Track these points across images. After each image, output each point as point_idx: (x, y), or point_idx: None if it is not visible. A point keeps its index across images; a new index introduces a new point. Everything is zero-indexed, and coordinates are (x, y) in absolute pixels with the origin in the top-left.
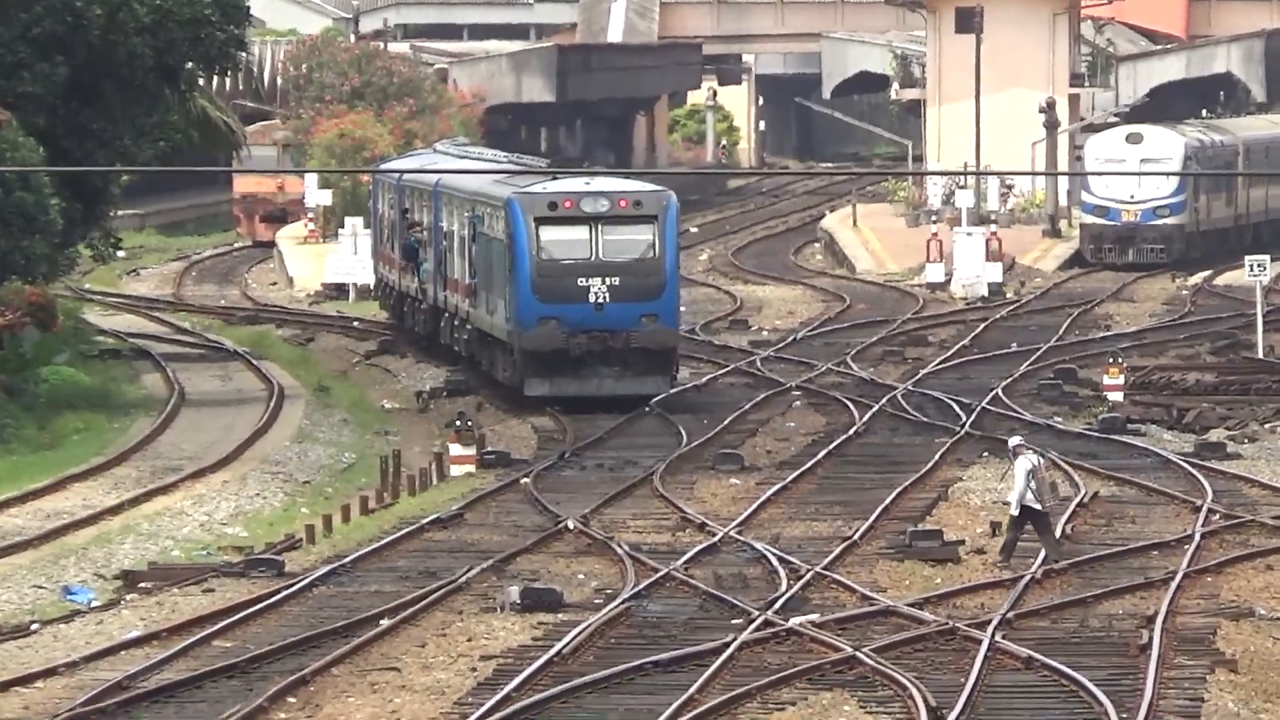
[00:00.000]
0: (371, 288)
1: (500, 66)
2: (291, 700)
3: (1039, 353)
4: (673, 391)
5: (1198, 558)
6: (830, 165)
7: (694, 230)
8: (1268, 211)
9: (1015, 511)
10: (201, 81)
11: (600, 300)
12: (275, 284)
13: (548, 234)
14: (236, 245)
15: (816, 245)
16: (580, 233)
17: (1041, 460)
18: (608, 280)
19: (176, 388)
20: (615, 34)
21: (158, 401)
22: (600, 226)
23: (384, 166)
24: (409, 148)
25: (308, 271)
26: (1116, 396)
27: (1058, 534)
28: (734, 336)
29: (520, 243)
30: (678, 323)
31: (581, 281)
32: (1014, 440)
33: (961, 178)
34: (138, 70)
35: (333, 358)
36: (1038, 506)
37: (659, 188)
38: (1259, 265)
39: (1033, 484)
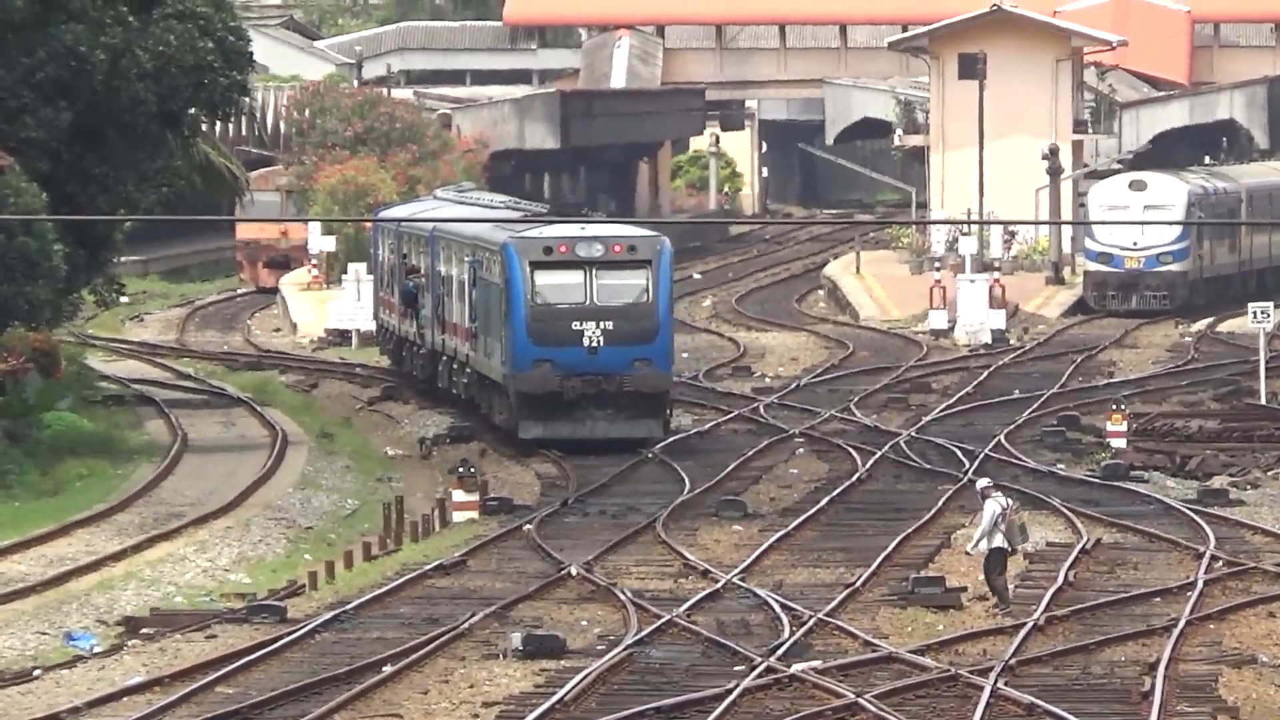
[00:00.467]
0: (375, 333)
1: (503, 112)
2: None
3: (1042, 399)
4: (674, 438)
5: (1200, 605)
6: (833, 213)
7: (697, 276)
8: (1271, 258)
9: (970, 550)
10: (204, 127)
11: (594, 344)
12: (278, 330)
13: (543, 278)
14: (240, 291)
15: (820, 292)
16: (575, 277)
17: (1010, 502)
18: (602, 324)
19: (179, 434)
20: (618, 79)
21: (161, 448)
22: (595, 271)
23: (384, 214)
24: (412, 194)
25: (311, 317)
26: (1119, 443)
27: (1060, 580)
28: (737, 383)
29: (516, 287)
30: (671, 367)
31: (576, 325)
32: (982, 482)
33: (965, 225)
34: (141, 116)
35: (336, 404)
36: (1007, 548)
37: (653, 233)
38: (1262, 312)
39: (1002, 526)
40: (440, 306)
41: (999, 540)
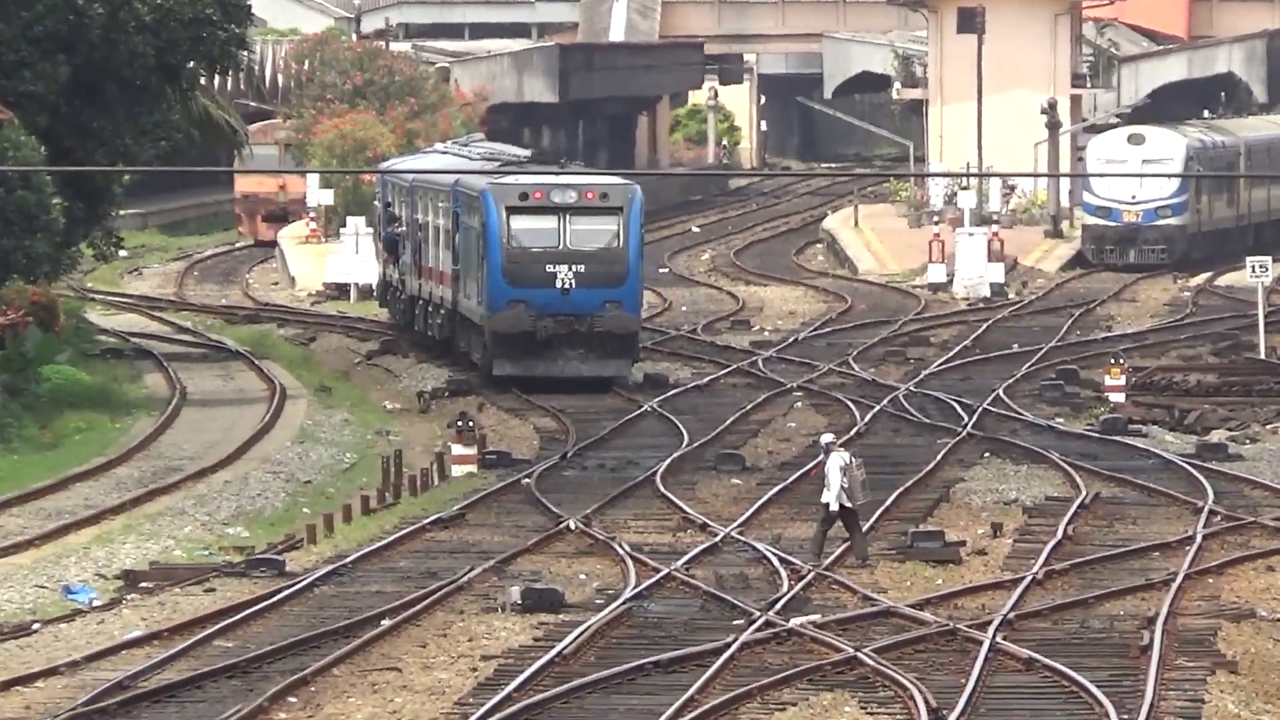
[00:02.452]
0: (374, 287)
1: (502, 66)
2: (292, 700)
3: (1040, 353)
4: (673, 392)
5: (1199, 559)
6: (832, 166)
7: (695, 230)
8: (1269, 212)
9: (835, 507)
10: (203, 81)
11: (566, 286)
12: (277, 284)
13: (518, 223)
14: (238, 245)
15: (818, 246)
16: (549, 222)
17: (853, 458)
18: (574, 267)
19: (178, 387)
20: (617, 33)
21: (159, 401)
22: (568, 216)
23: (385, 166)
24: (410, 147)
25: (309, 271)
26: (1118, 397)
27: (1059, 535)
28: (735, 337)
29: (492, 230)
30: (640, 309)
31: (549, 268)
32: (826, 437)
33: (963, 178)
34: (139, 69)
35: (334, 358)
36: (849, 504)
37: (625, 181)
38: (1260, 266)
39: (845, 481)
40: (419, 253)
41: (842, 497)
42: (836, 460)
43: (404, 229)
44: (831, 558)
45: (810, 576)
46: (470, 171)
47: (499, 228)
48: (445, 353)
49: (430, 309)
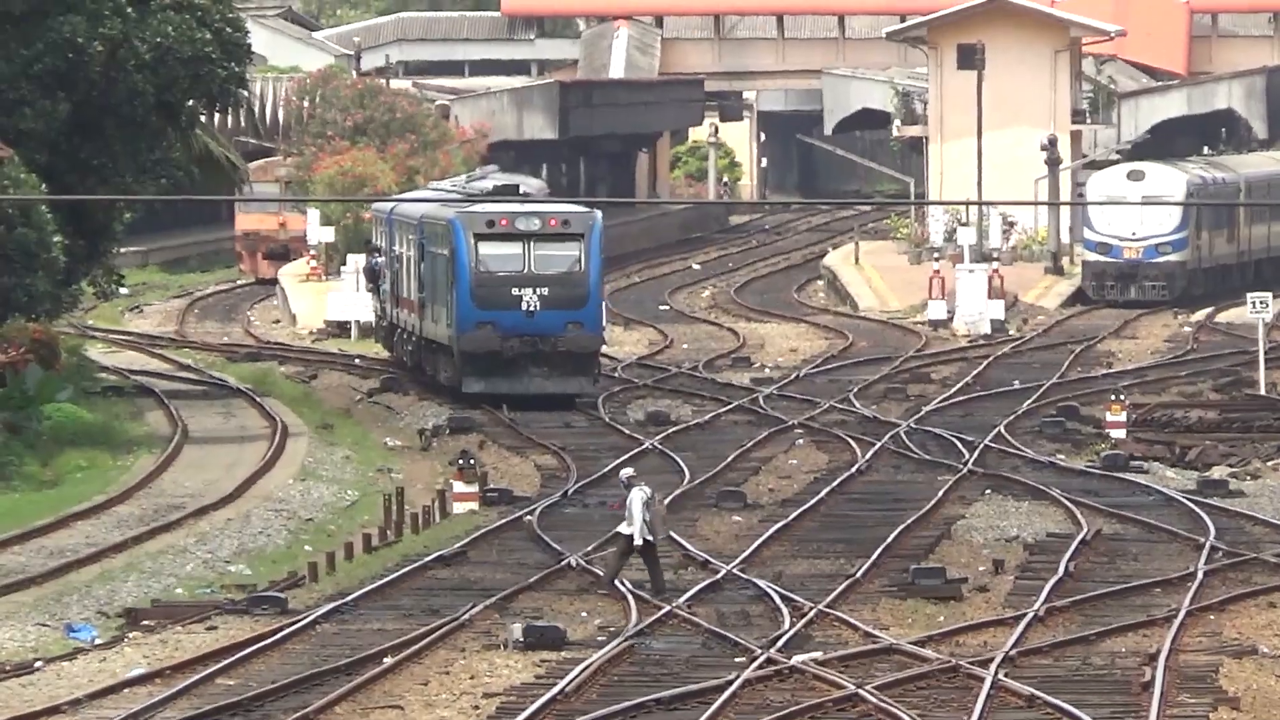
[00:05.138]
0: (374, 324)
1: (502, 103)
2: None
3: (1041, 390)
4: (674, 429)
5: (1200, 595)
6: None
7: (696, 267)
8: (1269, 248)
9: (639, 541)
10: (203, 118)
11: (531, 308)
12: (278, 321)
13: (486, 248)
14: (239, 282)
15: (819, 283)
16: (515, 248)
17: (651, 492)
18: (538, 290)
19: (179, 425)
20: (617, 70)
21: (161, 439)
22: (532, 242)
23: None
24: (410, 184)
25: (310, 309)
26: (1119, 434)
27: (1060, 572)
28: (736, 374)
29: (461, 256)
30: (600, 329)
31: (515, 291)
32: (627, 471)
33: (963, 215)
34: (139, 107)
35: (335, 395)
36: (650, 538)
37: (586, 209)
38: (1261, 302)
39: (647, 515)
40: (395, 283)
41: (638, 528)
42: (639, 495)
43: (383, 259)
44: (833, 595)
45: (812, 614)
46: (436, 200)
47: (468, 254)
48: (446, 390)
49: (404, 336)
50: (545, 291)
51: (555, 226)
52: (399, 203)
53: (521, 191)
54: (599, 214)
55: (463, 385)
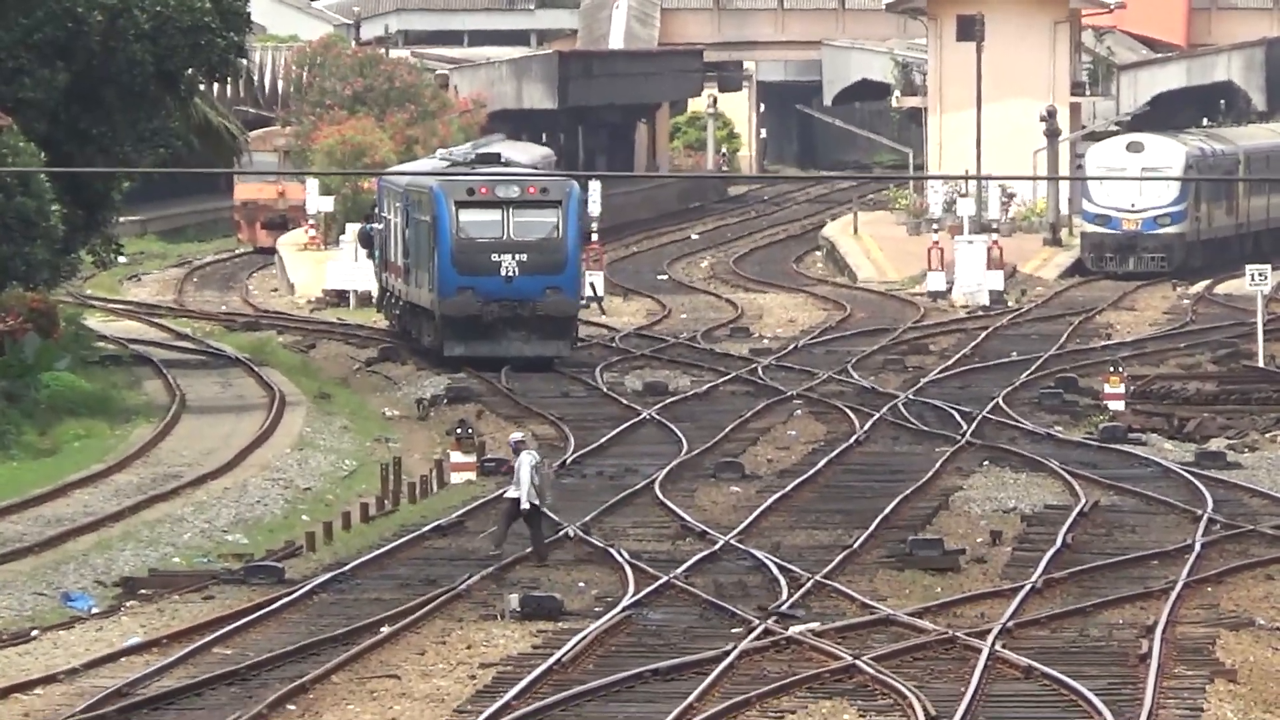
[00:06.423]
0: (374, 294)
1: (501, 73)
2: (291, 707)
3: (1039, 361)
4: (672, 399)
5: (1198, 567)
6: (831, 175)
7: (695, 237)
8: (1269, 220)
9: (525, 505)
10: (202, 88)
11: (510, 274)
12: (276, 290)
13: (466, 216)
14: (237, 251)
15: (818, 253)
16: (494, 215)
17: (540, 458)
18: (517, 256)
19: (177, 394)
20: (616, 40)
21: (159, 408)
22: (511, 210)
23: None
24: (409, 154)
25: (308, 278)
26: (1117, 405)
27: (1058, 543)
28: (735, 345)
29: (443, 223)
30: (578, 295)
31: (494, 257)
32: (516, 436)
33: (963, 186)
34: (138, 76)
35: (333, 365)
36: (536, 502)
37: (564, 178)
38: (1260, 274)
39: (535, 480)
40: (383, 248)
41: (531, 494)
42: (528, 459)
43: (378, 226)
44: (831, 565)
45: (809, 584)
46: (423, 173)
47: (449, 221)
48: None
49: (392, 300)
50: (524, 258)
51: (534, 194)
52: (404, 172)
53: (504, 160)
54: (575, 183)
55: (444, 349)
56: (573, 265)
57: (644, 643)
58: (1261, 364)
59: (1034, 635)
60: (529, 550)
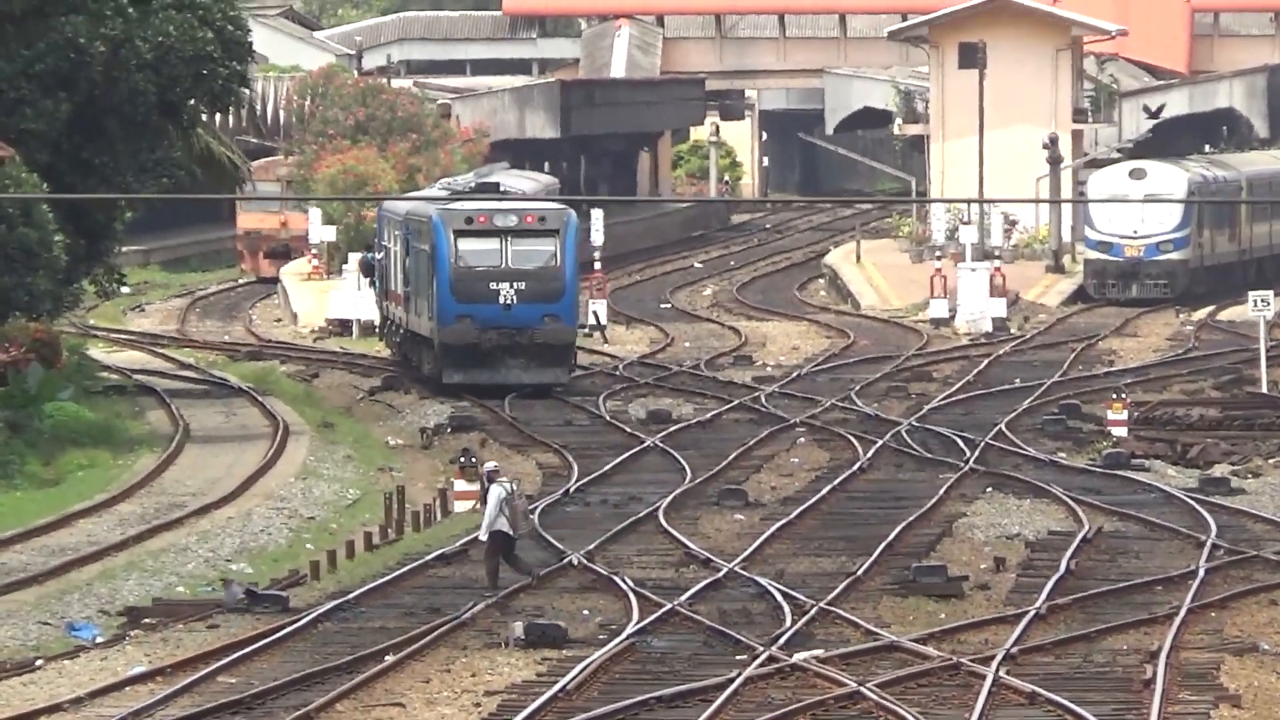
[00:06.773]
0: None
1: (503, 102)
2: None
3: (1043, 388)
4: (676, 427)
5: (1201, 593)
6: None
7: (698, 265)
8: (1271, 246)
9: (484, 537)
10: (204, 117)
11: (509, 301)
12: (279, 320)
13: (465, 244)
14: (240, 281)
15: (820, 281)
16: (493, 243)
17: (515, 488)
18: (515, 284)
19: (181, 424)
20: (618, 69)
21: (162, 438)
22: (510, 238)
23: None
24: (411, 183)
25: (311, 308)
26: (1120, 432)
27: (1062, 569)
28: (738, 372)
29: (442, 252)
30: (575, 322)
31: (493, 285)
32: (489, 465)
33: (965, 213)
34: (140, 107)
35: (337, 394)
36: (510, 532)
37: (560, 206)
38: (1262, 300)
39: (506, 511)
40: (384, 277)
41: (502, 524)
42: (498, 490)
43: (379, 255)
44: (835, 592)
45: (813, 611)
46: (421, 198)
47: (448, 249)
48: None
49: (393, 328)
50: (522, 286)
51: (531, 223)
52: (404, 201)
53: (502, 190)
54: (573, 212)
55: (443, 376)
56: (570, 293)
57: (648, 670)
58: (1265, 390)
59: (1038, 661)
60: (528, 580)
